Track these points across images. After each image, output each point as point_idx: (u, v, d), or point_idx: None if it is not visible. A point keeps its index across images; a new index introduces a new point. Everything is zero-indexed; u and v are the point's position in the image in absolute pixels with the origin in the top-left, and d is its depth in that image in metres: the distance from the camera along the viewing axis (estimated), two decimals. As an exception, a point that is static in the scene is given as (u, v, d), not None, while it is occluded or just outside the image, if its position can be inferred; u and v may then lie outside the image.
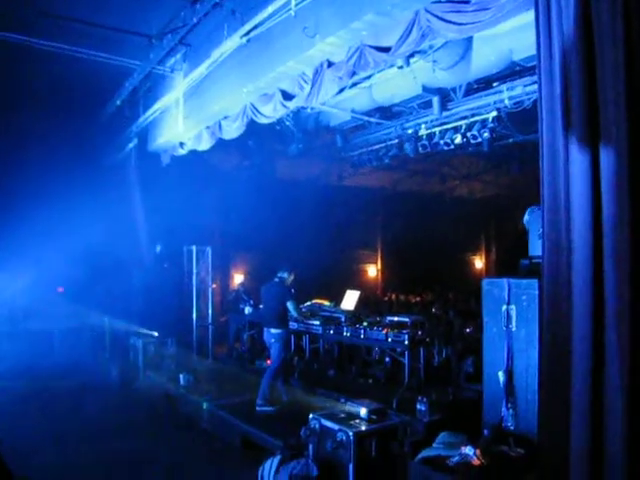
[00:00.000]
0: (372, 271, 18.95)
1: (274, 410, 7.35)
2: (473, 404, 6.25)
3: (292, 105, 6.96)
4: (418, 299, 15.33)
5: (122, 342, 10.65)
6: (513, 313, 4.74)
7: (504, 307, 4.80)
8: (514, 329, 4.74)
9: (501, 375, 4.76)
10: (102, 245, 10.68)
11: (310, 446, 4.97)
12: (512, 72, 8.04)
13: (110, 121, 10.94)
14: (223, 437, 6.95)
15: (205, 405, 7.58)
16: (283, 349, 7.68)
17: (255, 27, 6.31)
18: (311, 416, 5.09)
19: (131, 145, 10.80)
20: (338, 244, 15.99)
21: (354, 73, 6.03)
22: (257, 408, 7.37)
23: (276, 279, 7.79)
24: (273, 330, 7.59)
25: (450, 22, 4.81)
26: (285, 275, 7.74)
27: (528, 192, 14.45)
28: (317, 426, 4.96)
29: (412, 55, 6.82)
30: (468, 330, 9.16)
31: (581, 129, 3.47)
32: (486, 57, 7.13)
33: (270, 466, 4.98)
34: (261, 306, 9.87)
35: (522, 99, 8.24)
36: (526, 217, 5.51)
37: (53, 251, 9.85)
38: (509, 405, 4.70)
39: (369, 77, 8.03)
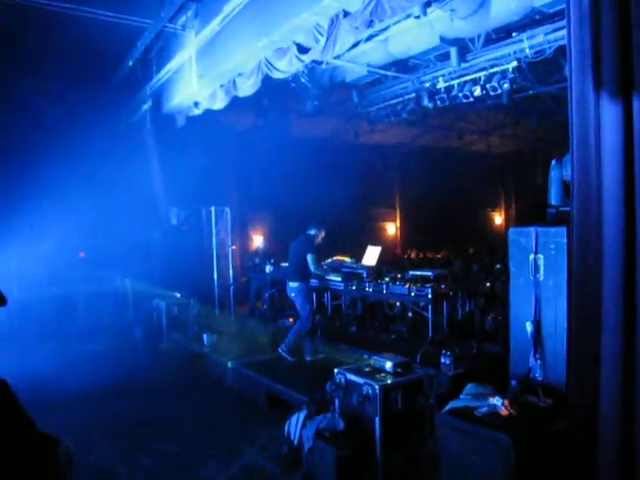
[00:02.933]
0: (391, 228, 18.89)
1: (294, 360, 7.51)
2: (497, 358, 6.25)
3: (308, 58, 6.81)
4: (438, 255, 15.27)
5: (145, 304, 10.77)
6: (541, 262, 4.65)
7: (531, 256, 4.71)
8: (542, 279, 4.66)
9: (529, 325, 4.71)
10: (121, 209, 10.71)
11: (336, 400, 5.00)
12: (532, 20, 7.79)
13: (123, 83, 10.83)
14: (249, 394, 7.04)
15: (230, 364, 7.67)
16: (306, 302, 7.74)
17: (268, -22, 6.15)
18: (336, 371, 5.11)
19: (145, 107, 10.70)
20: (356, 202, 15.91)
21: (371, 22, 5.85)
22: (279, 349, 7.59)
23: (303, 236, 7.81)
24: (292, 284, 7.71)
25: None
26: (313, 232, 7.75)
27: (547, 146, 14.36)
28: (342, 380, 4.97)
29: (429, 4, 6.62)
30: (488, 284, 9.11)
31: (613, 75, 3.33)
32: (506, 4, 6.91)
33: (297, 421, 5.03)
34: (283, 264, 9.95)
35: (543, 47, 8.03)
36: (553, 169, 5.37)
37: (73, 217, 9.90)
38: (537, 356, 4.66)
39: (385, 29, 7.82)
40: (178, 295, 10.66)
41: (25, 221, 9.80)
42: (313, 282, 8.21)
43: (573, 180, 3.63)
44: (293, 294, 7.76)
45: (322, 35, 6.33)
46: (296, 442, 4.94)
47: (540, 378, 4.63)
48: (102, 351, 9.07)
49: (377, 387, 4.59)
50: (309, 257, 7.61)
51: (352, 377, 4.90)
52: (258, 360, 7.77)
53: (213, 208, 11.20)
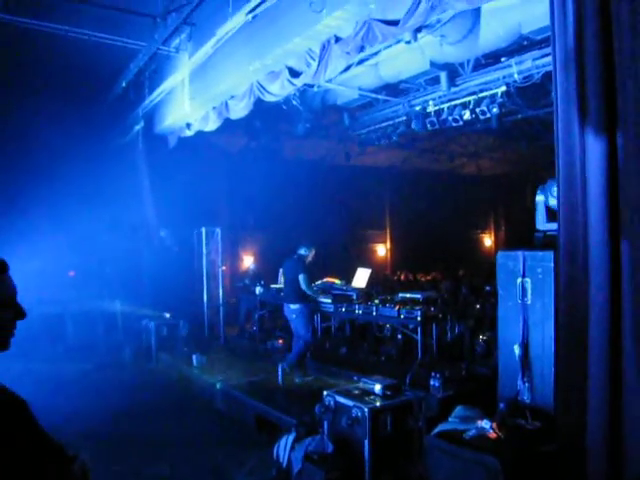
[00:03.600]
0: (381, 250, 18.94)
1: (301, 380, 7.54)
2: (486, 380, 6.26)
3: (299, 82, 6.89)
4: (428, 277, 15.31)
5: (134, 324, 10.71)
6: (528, 286, 4.70)
7: (519, 280, 4.76)
8: (529, 302, 4.70)
9: (517, 348, 4.74)
10: (112, 228, 10.70)
11: (325, 423, 4.99)
12: (521, 46, 7.95)
13: (116, 103, 10.89)
14: (238, 416, 6.99)
15: (218, 385, 7.63)
16: (308, 322, 7.78)
17: (260, 3, 6.24)
18: (325, 393, 5.10)
19: (138, 127, 10.75)
20: (347, 224, 16.00)
21: (362, 48, 5.94)
22: (281, 367, 7.59)
23: (295, 256, 7.85)
24: (292, 306, 7.72)
25: (459, -8, 4.73)
26: (303, 251, 7.81)
27: (536, 168, 14.48)
28: (332, 403, 4.97)
29: (420, 29, 6.72)
30: (478, 306, 9.16)
31: (598, 114, 3.41)
32: (494, 31, 7.03)
33: (285, 443, 5.00)
34: (272, 285, 9.96)
35: (532, 73, 8.16)
36: (538, 194, 5.45)
37: (63, 235, 9.88)
38: (525, 378, 4.69)
39: (376, 54, 7.93)
40: (167, 315, 10.61)
41: (15, 239, 9.77)
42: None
43: (559, 205, 3.69)
44: (294, 315, 7.74)
45: (314, 59, 6.41)
46: (285, 465, 4.91)
47: (528, 401, 4.65)
48: (91, 371, 8.99)
49: (366, 410, 4.59)
50: (301, 277, 7.64)
51: (341, 399, 4.90)
52: (247, 382, 7.74)
53: (204, 229, 11.21)
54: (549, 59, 7.44)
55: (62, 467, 1.63)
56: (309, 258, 7.89)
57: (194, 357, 8.89)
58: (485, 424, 4.03)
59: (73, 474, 1.66)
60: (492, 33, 7.05)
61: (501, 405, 4.54)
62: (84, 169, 10.23)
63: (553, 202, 4.83)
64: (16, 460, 1.49)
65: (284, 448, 4.99)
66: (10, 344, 1.66)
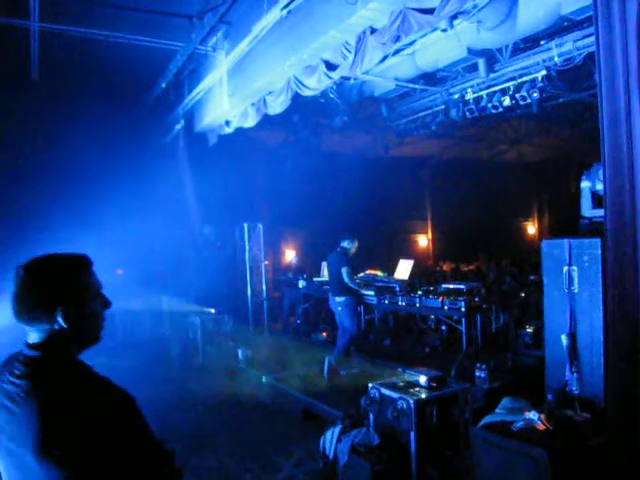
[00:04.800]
0: (423, 241, 18.80)
1: (346, 373, 7.54)
2: (533, 370, 6.17)
3: (336, 75, 6.87)
4: (471, 267, 15.14)
5: (181, 320, 10.89)
6: (575, 274, 4.61)
7: (565, 268, 4.67)
8: (576, 291, 4.61)
9: (564, 338, 4.66)
10: (156, 227, 10.91)
11: (370, 415, 5.00)
12: (561, 28, 7.74)
13: (157, 104, 11.07)
14: (283, 410, 7.06)
15: (264, 379, 7.71)
16: (355, 315, 7.82)
17: (294, -2, 6.25)
18: (370, 385, 5.11)
19: (178, 127, 10.92)
20: (388, 215, 15.93)
21: (398, 38, 5.89)
22: (327, 362, 7.58)
23: (338, 248, 7.88)
24: (337, 298, 7.76)
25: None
26: (346, 244, 7.83)
27: (580, 153, 14.16)
28: (377, 395, 4.98)
29: (456, 16, 6.61)
30: (523, 295, 9.02)
31: None
32: (533, 13, 6.87)
33: (332, 436, 5.04)
34: (315, 279, 10.02)
35: (573, 55, 7.94)
36: (583, 180, 5.32)
37: (110, 235, 10.11)
38: (573, 369, 4.60)
39: (412, 43, 7.86)
40: (212, 311, 10.77)
41: (64, 239, 10.05)
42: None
43: (606, 191, 3.61)
44: (340, 308, 7.78)
45: (350, 52, 6.39)
46: (331, 457, 4.95)
47: (577, 392, 4.57)
48: (140, 365, 9.19)
49: (412, 402, 4.58)
50: (344, 270, 7.66)
51: (386, 392, 4.90)
52: (292, 375, 7.80)
53: (246, 224, 11.32)
54: (591, 40, 7.29)
55: (163, 465, 1.71)
56: (352, 250, 7.91)
57: (239, 351, 9.00)
58: (533, 415, 3.98)
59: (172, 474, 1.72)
60: (530, 16, 6.90)
61: (549, 396, 4.47)
62: (128, 169, 10.46)
63: (599, 187, 4.72)
64: (124, 454, 1.56)
65: (330, 440, 5.03)
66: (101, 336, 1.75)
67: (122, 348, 10.34)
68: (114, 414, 1.55)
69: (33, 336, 1.64)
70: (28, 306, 1.61)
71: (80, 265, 1.71)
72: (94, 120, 10.18)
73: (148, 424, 1.67)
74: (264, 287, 11.41)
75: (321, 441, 5.14)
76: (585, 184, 5.12)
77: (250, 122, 8.97)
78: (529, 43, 8.44)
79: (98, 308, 1.73)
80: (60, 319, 1.60)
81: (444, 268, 15.57)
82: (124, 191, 10.34)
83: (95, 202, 10.01)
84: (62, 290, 1.64)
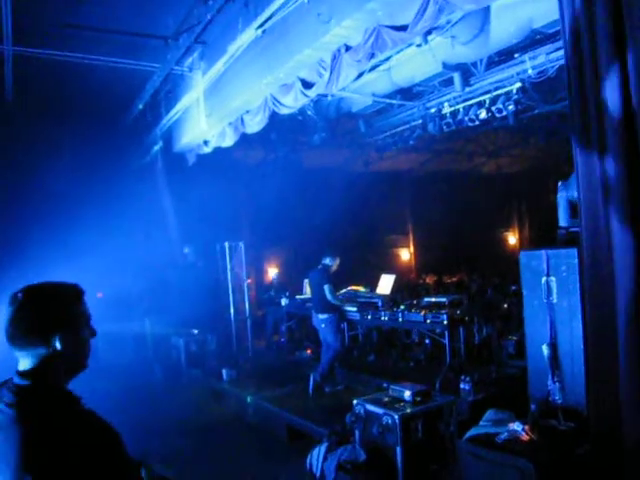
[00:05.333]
0: (405, 254, 18.86)
1: (331, 390, 7.53)
2: (517, 381, 6.19)
3: (312, 93, 6.91)
4: (453, 279, 15.21)
5: (163, 342, 10.81)
6: (553, 285, 4.65)
7: (544, 279, 4.71)
8: (555, 301, 4.65)
9: (545, 348, 4.68)
10: (136, 248, 10.82)
11: (356, 432, 4.99)
12: (533, 41, 7.86)
13: (134, 125, 11.05)
14: (269, 428, 7.01)
15: (249, 399, 7.65)
16: (338, 331, 7.83)
17: (269, 18, 6.28)
18: (355, 402, 5.10)
19: (156, 147, 10.90)
20: (369, 230, 15.97)
21: (372, 55, 5.93)
22: (312, 379, 7.59)
23: (319, 266, 7.89)
24: (320, 315, 7.77)
25: (466, -7, 4.71)
26: (328, 261, 7.86)
27: (557, 163, 14.31)
28: (362, 411, 4.96)
29: (430, 32, 6.70)
30: (505, 306, 9.07)
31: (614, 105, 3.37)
32: (505, 28, 6.97)
33: (318, 454, 5.01)
34: (298, 296, 10.00)
35: (546, 67, 8.05)
36: (559, 191, 5.39)
37: (89, 257, 10.01)
38: (555, 378, 4.62)
39: (388, 59, 7.94)
40: (195, 331, 10.70)
41: (43, 263, 9.93)
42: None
43: (580, 200, 3.65)
44: (323, 325, 7.79)
45: (325, 70, 6.43)
46: (318, 475, 4.92)
47: (560, 401, 4.59)
48: (122, 389, 9.08)
49: (397, 417, 4.58)
50: (326, 287, 7.68)
51: (371, 408, 4.90)
52: (277, 394, 7.75)
53: (227, 243, 11.29)
54: (562, 52, 7.42)
55: None
56: (334, 268, 7.93)
57: (224, 371, 8.94)
58: (517, 427, 3.99)
59: None
60: (503, 30, 7.00)
61: (532, 406, 4.49)
62: (106, 191, 10.40)
63: (575, 197, 4.77)
64: None
65: (317, 458, 4.99)
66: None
67: (104, 371, 10.21)
68: (97, 448, 1.57)
69: (24, 362, 1.67)
70: (24, 331, 1.66)
71: (76, 294, 1.79)
72: (71, 142, 10.15)
73: (131, 461, 1.70)
74: (247, 306, 11.35)
75: (307, 459, 5.11)
76: (561, 194, 5.18)
77: (228, 141, 8.97)
78: (503, 56, 8.55)
79: (87, 336, 1.79)
80: (58, 344, 1.65)
81: (427, 281, 15.62)
82: (103, 213, 10.27)
83: (74, 224, 9.90)
84: (60, 317, 1.70)
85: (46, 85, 9.01)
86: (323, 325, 7.78)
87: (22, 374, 1.66)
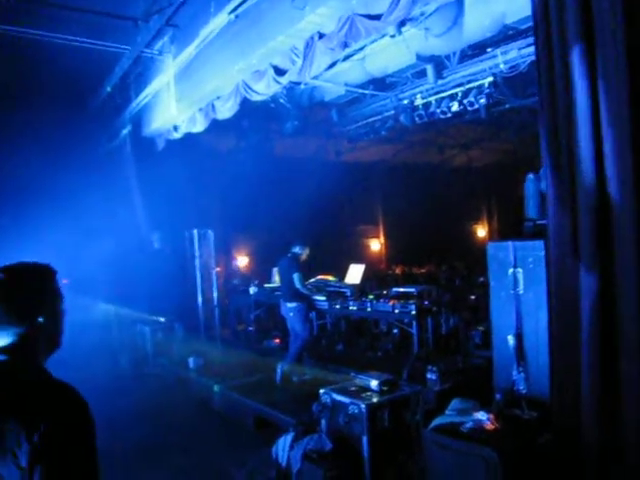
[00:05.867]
0: (375, 245, 18.92)
1: (298, 379, 7.53)
2: (483, 371, 6.27)
3: (285, 80, 6.85)
4: (423, 270, 15.33)
5: (130, 330, 10.67)
6: (520, 276, 4.71)
7: (510, 270, 4.76)
8: (522, 292, 4.71)
9: (511, 339, 4.74)
10: (103, 234, 10.63)
11: (323, 421, 4.99)
12: (506, 36, 7.90)
13: (102, 108, 10.83)
14: (236, 418, 6.99)
15: (216, 387, 7.61)
16: (306, 320, 7.82)
17: (242, 2, 6.19)
18: (322, 391, 5.10)
19: (125, 131, 10.70)
20: (340, 220, 15.97)
21: (346, 44, 5.90)
22: (279, 368, 7.59)
23: (289, 254, 7.85)
24: (289, 304, 7.75)
25: (441, -16, 4.71)
26: (297, 250, 7.83)
27: (527, 158, 14.50)
28: (329, 401, 4.96)
29: (404, 23, 6.71)
30: (472, 297, 9.18)
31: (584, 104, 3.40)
32: (479, 22, 7.00)
33: (284, 443, 5.00)
34: (266, 285, 9.96)
35: (517, 62, 8.12)
36: (527, 183, 5.44)
37: (54, 243, 9.81)
38: (520, 369, 4.69)
39: (362, 49, 7.91)
40: (162, 319, 10.58)
41: (4, 248, 9.68)
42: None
43: (548, 193, 3.69)
44: (291, 314, 7.77)
45: (298, 57, 6.37)
46: (284, 465, 4.91)
47: (524, 391, 4.65)
48: (86, 378, 8.92)
49: (363, 406, 4.59)
50: (295, 276, 7.66)
51: (338, 397, 4.89)
52: (244, 382, 7.72)
53: (195, 230, 11.17)
54: (534, 48, 7.48)
55: None
56: (303, 257, 7.91)
57: (191, 360, 8.87)
58: (482, 416, 4.03)
59: None
60: (476, 24, 7.02)
61: (497, 396, 4.55)
62: (72, 175, 10.15)
63: (542, 190, 4.83)
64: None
65: (283, 448, 4.98)
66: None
67: (68, 358, 10.04)
68: (76, 424, 1.60)
69: (3, 339, 1.69)
70: (6, 309, 1.69)
71: (52, 272, 1.86)
72: (35, 124, 9.88)
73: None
74: (215, 294, 11.27)
75: (274, 449, 5.10)
76: (531, 186, 5.23)
77: (199, 127, 8.85)
78: (476, 50, 8.58)
79: (63, 313, 1.87)
80: (40, 320, 1.72)
81: (396, 271, 15.72)
82: (69, 198, 10.04)
83: (38, 209, 9.68)
84: (42, 294, 1.78)
85: (7, 65, 8.70)
86: (291, 314, 7.77)
87: (1, 350, 1.68)
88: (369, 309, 7.83)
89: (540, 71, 3.72)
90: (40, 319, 1.72)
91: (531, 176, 5.07)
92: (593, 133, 3.33)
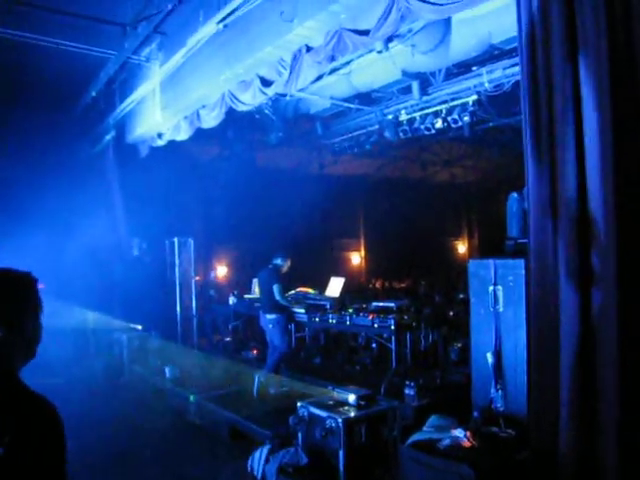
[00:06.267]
0: (356, 259, 18.96)
1: (276, 391, 7.46)
2: (461, 387, 6.27)
3: (271, 91, 6.86)
4: (403, 285, 15.37)
5: (106, 337, 10.51)
6: (500, 294, 4.73)
7: (491, 288, 4.79)
8: (501, 310, 4.73)
9: (489, 356, 4.76)
10: (82, 240, 10.50)
11: (299, 434, 4.94)
12: (491, 55, 8.02)
13: (86, 113, 10.74)
14: (211, 429, 6.89)
15: (192, 397, 7.51)
16: (285, 333, 7.77)
17: (231, 12, 6.18)
18: (299, 404, 5.05)
19: (108, 137, 10.60)
20: (321, 233, 15.97)
21: (333, 57, 5.94)
22: (257, 379, 7.52)
23: (270, 265, 7.82)
24: (268, 316, 7.72)
25: (429, 2, 4.75)
26: (279, 261, 7.81)
27: (508, 176, 14.63)
28: (305, 414, 4.92)
29: (391, 39, 6.74)
30: (452, 313, 9.19)
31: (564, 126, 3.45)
32: (465, 40, 7.09)
33: (260, 456, 4.95)
34: (246, 296, 9.90)
35: (502, 82, 8.23)
36: (509, 202, 5.48)
37: (31, 248, 9.66)
38: (498, 386, 4.70)
39: (348, 63, 7.96)
40: (139, 327, 10.45)
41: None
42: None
43: (529, 213, 3.72)
44: (271, 325, 7.73)
45: (285, 69, 6.40)
46: (259, 478, 4.86)
47: (502, 408, 4.66)
48: (60, 385, 8.78)
49: (340, 420, 4.55)
50: (275, 287, 7.63)
51: (315, 410, 4.85)
52: (221, 393, 7.63)
53: (176, 239, 11.09)
54: (518, 68, 7.59)
55: None
56: (284, 269, 7.89)
57: (167, 369, 8.76)
58: (459, 433, 4.03)
59: None
60: (463, 43, 7.11)
61: (475, 413, 4.55)
62: (52, 180, 10.04)
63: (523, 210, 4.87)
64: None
65: (258, 461, 4.93)
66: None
67: (42, 366, 9.87)
68: (43, 436, 1.56)
69: None
70: None
71: (33, 281, 1.79)
72: (17, 127, 9.76)
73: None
74: (194, 303, 11.18)
75: (249, 461, 5.04)
76: (514, 205, 5.27)
77: (183, 135, 8.82)
78: (461, 68, 8.69)
79: (40, 323, 1.80)
80: (18, 327, 1.68)
81: (376, 286, 15.74)
82: (48, 202, 9.91)
83: (16, 212, 9.55)
84: (21, 302, 1.73)
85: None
86: (270, 326, 7.73)
87: None
88: (348, 323, 7.81)
89: (524, 85, 3.77)
90: (17, 326, 1.68)
91: (514, 195, 5.11)
92: (576, 149, 3.38)
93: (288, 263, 7.92)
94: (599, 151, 3.25)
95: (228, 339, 10.79)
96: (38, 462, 1.51)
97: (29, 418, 1.56)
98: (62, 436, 1.60)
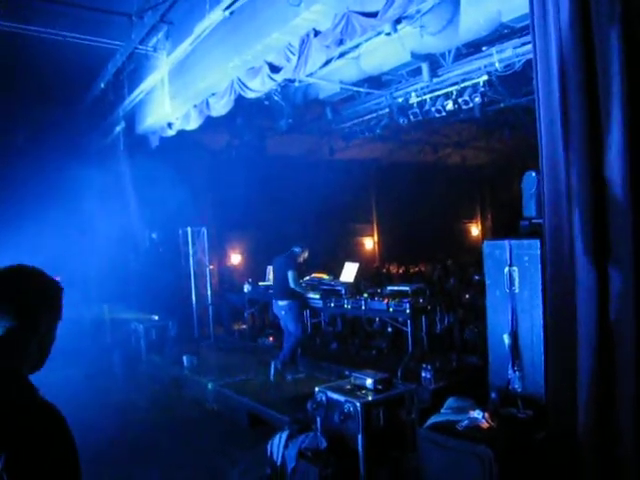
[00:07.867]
0: (369, 243, 18.93)
1: (292, 377, 7.51)
2: (477, 370, 6.27)
3: (280, 77, 6.83)
4: (416, 269, 15.34)
5: (123, 328, 10.62)
6: (515, 274, 4.70)
7: (506, 269, 4.75)
8: (517, 291, 4.70)
9: (506, 338, 4.74)
10: (96, 232, 10.59)
11: (317, 419, 4.98)
12: (501, 35, 7.89)
13: (95, 105, 10.76)
14: (230, 415, 6.97)
15: (210, 385, 7.59)
16: (298, 319, 7.80)
17: (237, -1, 6.16)
18: (317, 389, 5.08)
19: (118, 128, 10.62)
20: (333, 218, 15.95)
21: (341, 41, 5.89)
22: (273, 366, 7.59)
23: (287, 252, 7.90)
24: (280, 302, 7.75)
25: (437, -19, 4.69)
26: (297, 250, 7.84)
27: (520, 156, 14.52)
28: (324, 399, 4.95)
29: (399, 21, 6.68)
30: (467, 296, 9.18)
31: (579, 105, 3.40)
32: (474, 20, 6.99)
33: (279, 441, 4.98)
34: (261, 283, 9.93)
35: (512, 61, 8.11)
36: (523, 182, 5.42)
37: (47, 240, 9.75)
38: (515, 367, 4.68)
39: (357, 47, 7.88)
40: (156, 317, 10.54)
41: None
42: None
43: (544, 192, 3.68)
44: (283, 312, 7.77)
45: (294, 54, 6.35)
46: (279, 463, 4.89)
47: (519, 389, 4.65)
48: (80, 376, 8.89)
49: (358, 404, 4.58)
50: (290, 274, 7.65)
51: (333, 395, 4.88)
52: (238, 380, 7.71)
53: (189, 228, 11.13)
54: (530, 47, 7.47)
55: None
56: (301, 258, 7.92)
57: (184, 358, 8.84)
58: (477, 414, 4.02)
59: None
60: (472, 22, 7.01)
61: (493, 395, 4.54)
62: (66, 172, 10.09)
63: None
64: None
65: (277, 446, 4.97)
66: None
67: (61, 357, 9.97)
68: (44, 453, 1.46)
69: None
70: (8, 302, 1.61)
71: (60, 289, 1.78)
72: (27, 120, 9.81)
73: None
74: (209, 292, 11.25)
75: (268, 447, 5.07)
76: (527, 185, 5.22)
77: (193, 124, 8.81)
78: (471, 49, 8.58)
79: (55, 333, 1.76)
80: (37, 325, 1.64)
81: (390, 270, 15.72)
82: (62, 194, 9.98)
83: (31, 206, 9.62)
84: (46, 302, 1.71)
85: (2, 59, 8.62)
86: (283, 312, 7.77)
87: None
88: (363, 307, 7.81)
89: (537, 70, 3.71)
90: (32, 326, 1.63)
91: (532, 173, 5.02)
92: (590, 129, 3.33)
93: (306, 254, 7.96)
94: (617, 131, 3.20)
95: (244, 326, 10.84)
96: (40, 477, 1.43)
97: (31, 430, 1.46)
98: (69, 450, 1.52)
